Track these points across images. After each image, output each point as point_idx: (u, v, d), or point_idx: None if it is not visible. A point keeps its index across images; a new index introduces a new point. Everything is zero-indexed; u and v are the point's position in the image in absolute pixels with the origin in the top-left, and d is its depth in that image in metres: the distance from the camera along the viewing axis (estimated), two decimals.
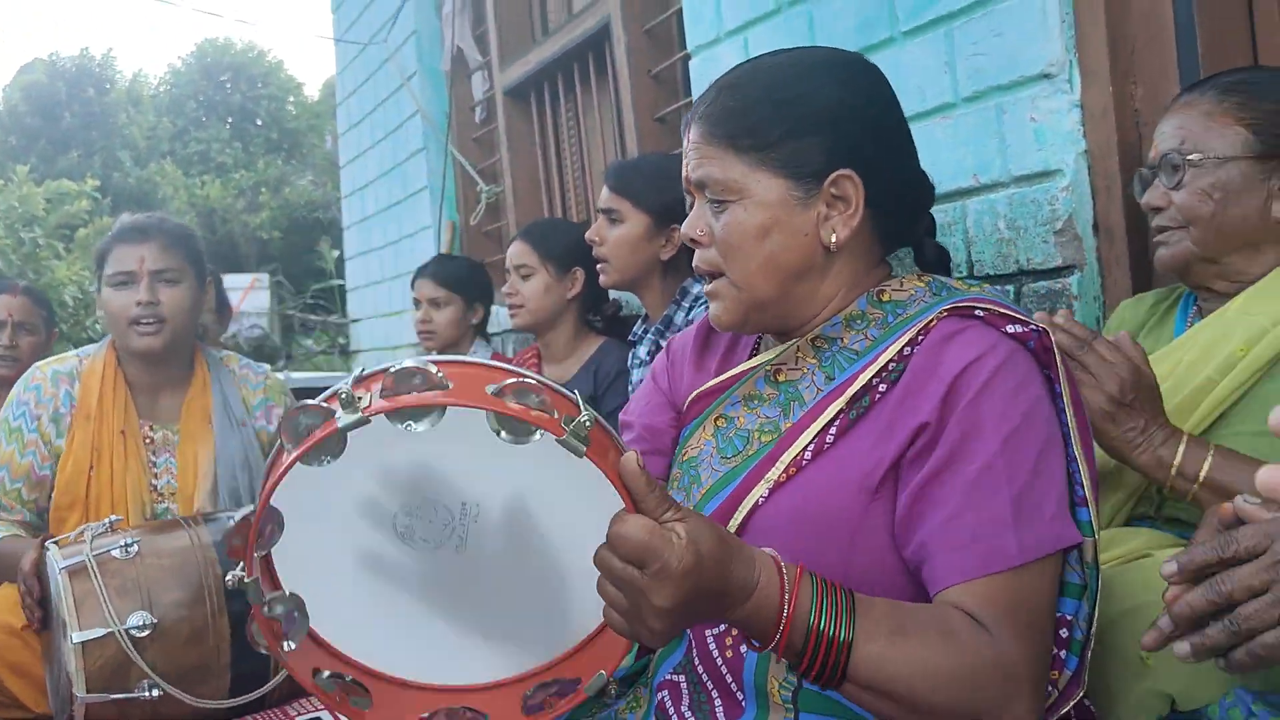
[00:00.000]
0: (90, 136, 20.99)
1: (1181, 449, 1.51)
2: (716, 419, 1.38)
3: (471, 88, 5.14)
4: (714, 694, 1.30)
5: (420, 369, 0.99)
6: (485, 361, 1.05)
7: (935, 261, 1.46)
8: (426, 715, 1.14)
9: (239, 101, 23.49)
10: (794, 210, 1.29)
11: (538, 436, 0.99)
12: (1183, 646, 0.96)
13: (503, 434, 1.00)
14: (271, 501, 1.02)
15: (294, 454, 0.98)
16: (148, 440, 2.61)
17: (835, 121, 1.30)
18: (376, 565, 1.12)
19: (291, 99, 24.99)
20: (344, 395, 0.97)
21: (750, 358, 1.44)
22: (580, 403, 1.02)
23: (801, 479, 1.27)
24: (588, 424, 0.99)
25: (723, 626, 1.29)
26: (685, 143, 1.37)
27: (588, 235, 2.85)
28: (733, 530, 1.27)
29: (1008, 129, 2.17)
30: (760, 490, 1.28)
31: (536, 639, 1.17)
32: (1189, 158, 1.65)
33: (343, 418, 0.96)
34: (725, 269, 1.32)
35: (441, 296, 3.62)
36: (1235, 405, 1.59)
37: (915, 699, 1.10)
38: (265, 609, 1.08)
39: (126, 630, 1.96)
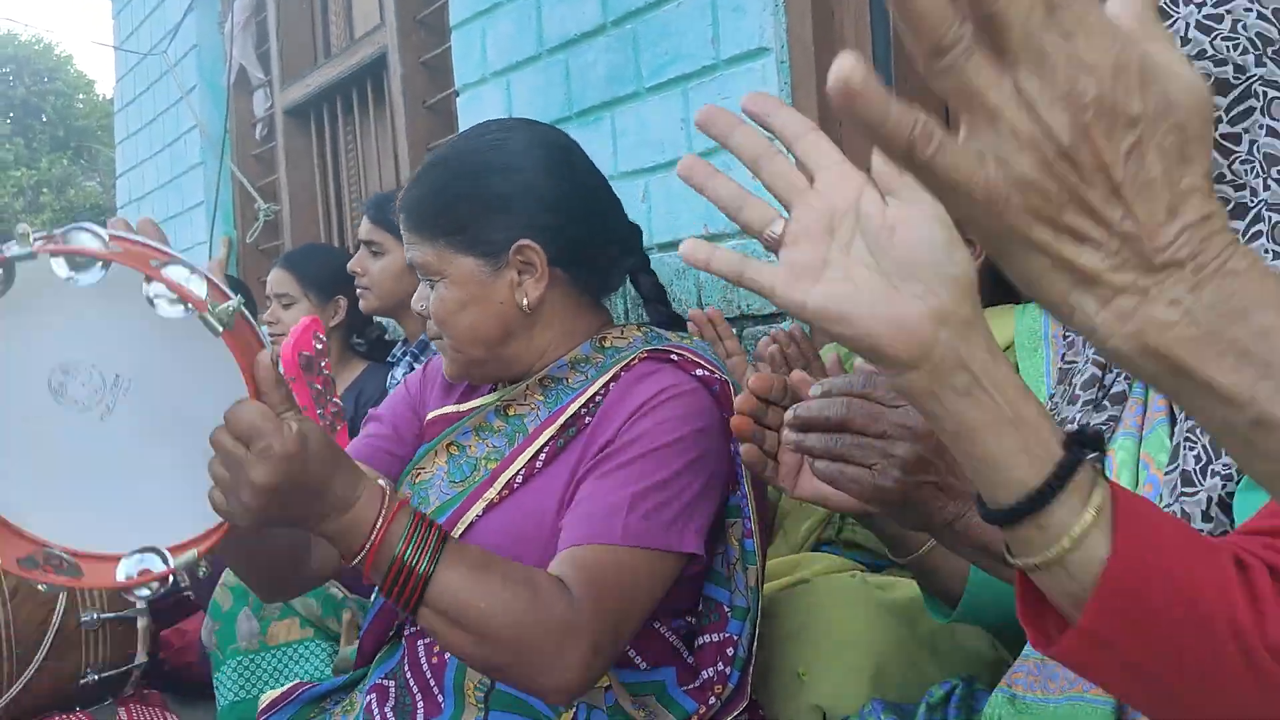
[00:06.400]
0: None
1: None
2: (449, 446, 1.48)
3: (253, 104, 5.10)
4: (417, 696, 1.40)
5: (91, 230, 1.06)
6: (156, 245, 1.11)
7: (651, 293, 1.60)
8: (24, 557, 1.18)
9: (22, 95, 22.35)
10: (486, 283, 1.40)
11: (183, 310, 1.04)
12: (790, 436, 1.07)
13: (155, 302, 1.05)
14: None
15: None
16: None
17: (510, 200, 1.40)
18: (27, 414, 1.16)
19: (81, 96, 23.90)
20: (19, 234, 1.05)
21: (490, 393, 1.54)
22: (238, 297, 1.08)
23: (512, 500, 1.38)
24: (231, 309, 1.06)
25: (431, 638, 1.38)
26: None
27: (350, 266, 2.87)
28: None
29: None
30: (477, 509, 1.39)
31: (167, 518, 1.19)
32: None
33: (13, 249, 1.04)
34: (443, 335, 1.44)
35: None
36: None
37: (483, 629, 1.17)
38: None
39: None
